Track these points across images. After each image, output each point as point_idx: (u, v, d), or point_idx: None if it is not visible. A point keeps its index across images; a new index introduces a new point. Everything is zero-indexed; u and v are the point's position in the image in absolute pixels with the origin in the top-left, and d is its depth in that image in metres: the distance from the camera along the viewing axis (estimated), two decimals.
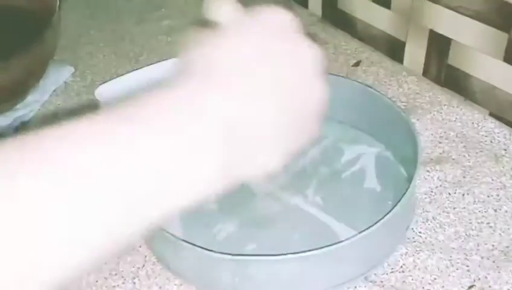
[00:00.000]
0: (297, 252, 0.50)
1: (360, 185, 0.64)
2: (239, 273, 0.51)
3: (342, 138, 0.69)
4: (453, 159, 0.66)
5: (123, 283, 0.56)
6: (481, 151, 0.66)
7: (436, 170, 0.64)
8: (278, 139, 0.32)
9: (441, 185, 0.63)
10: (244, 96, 0.30)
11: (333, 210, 0.61)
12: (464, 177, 0.64)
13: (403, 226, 0.57)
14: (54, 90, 0.81)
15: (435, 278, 0.54)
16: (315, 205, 0.62)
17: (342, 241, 0.51)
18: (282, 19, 0.33)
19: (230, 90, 0.30)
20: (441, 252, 0.56)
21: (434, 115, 0.72)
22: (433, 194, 0.62)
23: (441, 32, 0.74)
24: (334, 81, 0.70)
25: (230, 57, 0.31)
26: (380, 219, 0.51)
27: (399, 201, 0.53)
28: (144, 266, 0.57)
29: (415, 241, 0.57)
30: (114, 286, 0.56)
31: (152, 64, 0.77)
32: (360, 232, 0.51)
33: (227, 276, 0.52)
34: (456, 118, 0.71)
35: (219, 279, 0.53)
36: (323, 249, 0.49)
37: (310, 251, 0.50)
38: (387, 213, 0.52)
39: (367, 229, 0.51)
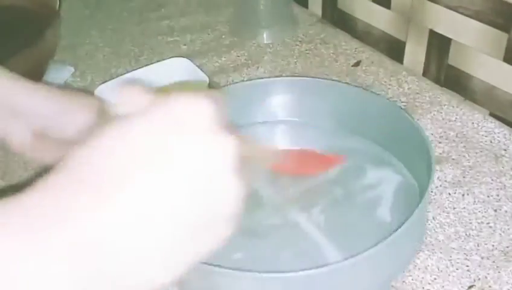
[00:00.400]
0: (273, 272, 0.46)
1: (371, 212, 0.59)
2: (221, 285, 0.49)
3: (369, 158, 0.64)
4: (453, 159, 0.66)
5: None
6: (481, 152, 0.66)
7: (436, 170, 0.64)
8: (167, 253, 0.27)
9: (440, 185, 0.63)
10: (123, 206, 0.26)
11: (332, 233, 0.57)
12: (463, 177, 0.63)
13: (388, 269, 0.52)
14: None
15: (435, 278, 0.54)
16: (316, 224, 0.58)
17: (318, 268, 0.47)
18: (195, 110, 0.28)
19: (106, 199, 0.26)
20: (440, 252, 0.56)
21: (434, 114, 0.72)
22: (433, 194, 0.62)
23: (441, 32, 0.74)
24: (368, 97, 0.66)
25: (113, 158, 0.26)
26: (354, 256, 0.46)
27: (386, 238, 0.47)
28: None
29: None
30: None
31: (152, 64, 0.77)
32: (344, 260, 0.47)
33: (210, 286, 0.50)
34: (456, 118, 0.71)
35: (201, 288, 0.51)
36: (305, 272, 0.46)
37: (289, 272, 0.46)
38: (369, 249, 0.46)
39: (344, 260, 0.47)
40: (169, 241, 0.27)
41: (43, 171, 0.26)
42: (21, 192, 0.26)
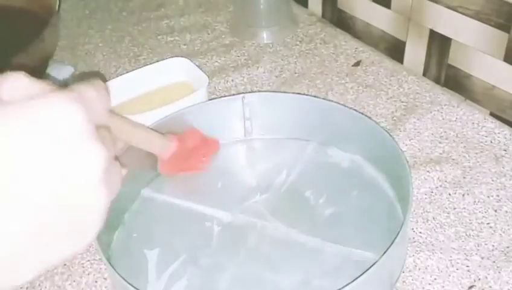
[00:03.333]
0: None
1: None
2: None
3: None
4: (453, 159, 0.66)
5: None
6: (481, 152, 0.66)
7: (436, 170, 0.64)
8: (14, 259, 0.26)
9: (441, 186, 0.63)
10: None
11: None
12: (464, 177, 0.63)
13: None
14: None
15: (435, 278, 0.54)
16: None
17: None
18: (62, 114, 0.26)
19: None
20: (441, 253, 0.56)
21: (434, 114, 0.72)
22: (433, 194, 0.62)
23: (441, 32, 0.74)
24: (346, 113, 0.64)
25: None
26: None
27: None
28: None
29: (415, 242, 0.57)
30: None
31: (152, 64, 0.77)
32: None
33: None
34: (456, 118, 0.71)
35: None
36: None
37: None
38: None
39: None
40: (14, 248, 0.25)
41: None
42: None
